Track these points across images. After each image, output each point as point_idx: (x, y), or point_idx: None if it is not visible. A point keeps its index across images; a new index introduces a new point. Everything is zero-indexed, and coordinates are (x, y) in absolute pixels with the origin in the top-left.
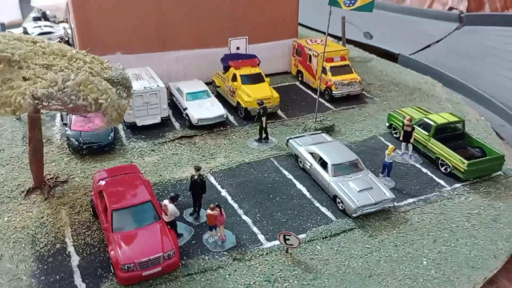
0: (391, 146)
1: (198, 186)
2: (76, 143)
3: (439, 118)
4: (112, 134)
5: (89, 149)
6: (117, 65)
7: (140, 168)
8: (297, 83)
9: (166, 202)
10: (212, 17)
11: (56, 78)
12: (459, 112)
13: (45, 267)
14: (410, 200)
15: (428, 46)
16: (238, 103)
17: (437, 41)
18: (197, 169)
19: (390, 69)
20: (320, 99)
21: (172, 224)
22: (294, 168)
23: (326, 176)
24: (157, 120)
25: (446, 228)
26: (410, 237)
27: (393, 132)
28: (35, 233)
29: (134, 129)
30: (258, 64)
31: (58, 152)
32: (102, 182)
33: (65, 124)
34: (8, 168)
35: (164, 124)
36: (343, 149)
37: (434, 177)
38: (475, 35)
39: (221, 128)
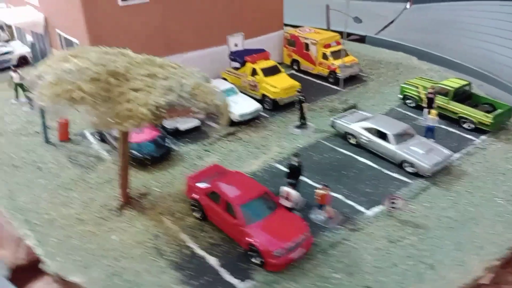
0: (434, 111)
1: (298, 172)
2: (140, 155)
3: (452, 83)
4: (167, 141)
5: (153, 159)
6: (194, 69)
7: None
8: (294, 71)
9: (287, 189)
10: (210, 16)
11: (170, 85)
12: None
13: (188, 272)
14: (457, 155)
15: (387, 26)
16: (263, 95)
17: (392, 21)
18: (296, 155)
19: (364, 50)
20: (325, 84)
21: (290, 210)
22: (346, 145)
23: (389, 146)
24: (197, 122)
25: (497, 172)
26: (476, 184)
27: (408, 102)
28: (155, 245)
29: (175, 135)
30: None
31: (117, 167)
32: (207, 184)
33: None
34: (78, 192)
35: (201, 125)
36: (392, 120)
37: (462, 134)
38: (424, 12)
39: (256, 121)
